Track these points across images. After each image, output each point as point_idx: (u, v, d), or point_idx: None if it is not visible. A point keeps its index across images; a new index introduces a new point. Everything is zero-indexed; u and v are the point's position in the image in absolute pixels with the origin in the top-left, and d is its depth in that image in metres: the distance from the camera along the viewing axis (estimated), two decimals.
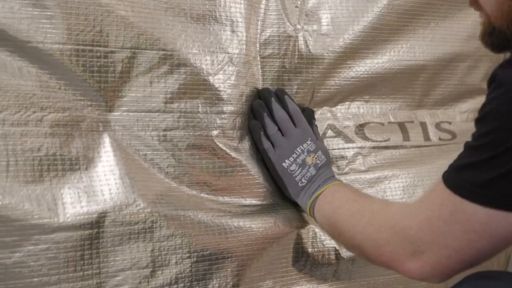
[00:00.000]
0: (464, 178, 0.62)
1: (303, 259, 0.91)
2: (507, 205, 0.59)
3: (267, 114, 0.88)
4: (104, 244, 0.73)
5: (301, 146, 0.88)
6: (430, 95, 1.07)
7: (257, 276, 0.86)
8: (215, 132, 0.85)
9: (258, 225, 0.85)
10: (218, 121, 0.85)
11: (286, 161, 0.88)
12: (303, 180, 0.87)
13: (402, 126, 1.04)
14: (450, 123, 1.08)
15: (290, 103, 0.90)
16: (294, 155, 0.88)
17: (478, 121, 0.62)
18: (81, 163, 0.75)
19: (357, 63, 0.99)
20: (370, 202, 0.78)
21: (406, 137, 1.03)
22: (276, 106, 0.89)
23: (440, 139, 1.05)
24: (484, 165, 0.60)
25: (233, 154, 0.86)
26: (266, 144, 0.89)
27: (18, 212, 0.67)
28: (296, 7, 0.93)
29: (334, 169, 0.95)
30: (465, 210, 0.61)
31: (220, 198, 0.85)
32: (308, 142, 0.89)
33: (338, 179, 0.90)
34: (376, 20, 0.98)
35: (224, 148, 0.85)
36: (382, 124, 1.02)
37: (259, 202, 0.89)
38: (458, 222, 0.62)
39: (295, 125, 0.89)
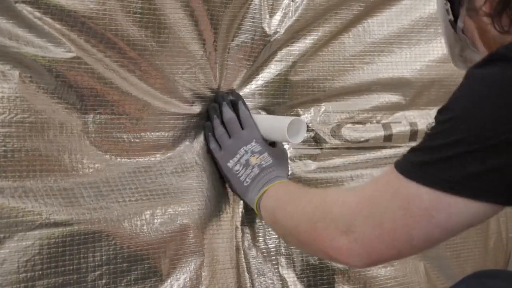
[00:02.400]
0: (412, 160, 0.62)
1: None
2: (450, 188, 0.59)
3: (217, 116, 0.94)
4: (84, 240, 0.76)
5: (244, 147, 0.92)
6: (423, 95, 1.08)
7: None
8: (171, 133, 0.90)
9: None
10: (177, 121, 0.90)
11: (230, 161, 0.92)
12: (247, 180, 0.91)
13: (386, 127, 1.05)
14: None
15: (241, 107, 0.94)
16: (238, 155, 0.92)
17: (440, 110, 0.63)
18: (60, 163, 0.78)
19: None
20: (312, 190, 0.81)
21: (388, 138, 1.05)
22: (226, 109, 0.94)
23: None
24: (433, 149, 0.60)
25: (188, 152, 0.92)
26: (213, 144, 0.94)
27: (4, 210, 0.70)
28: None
29: (301, 166, 0.99)
30: (408, 191, 0.61)
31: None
32: (253, 143, 0.92)
33: (285, 178, 0.92)
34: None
35: (179, 148, 0.91)
36: (364, 124, 1.04)
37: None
38: (398, 202, 0.62)
39: (242, 127, 0.93)
